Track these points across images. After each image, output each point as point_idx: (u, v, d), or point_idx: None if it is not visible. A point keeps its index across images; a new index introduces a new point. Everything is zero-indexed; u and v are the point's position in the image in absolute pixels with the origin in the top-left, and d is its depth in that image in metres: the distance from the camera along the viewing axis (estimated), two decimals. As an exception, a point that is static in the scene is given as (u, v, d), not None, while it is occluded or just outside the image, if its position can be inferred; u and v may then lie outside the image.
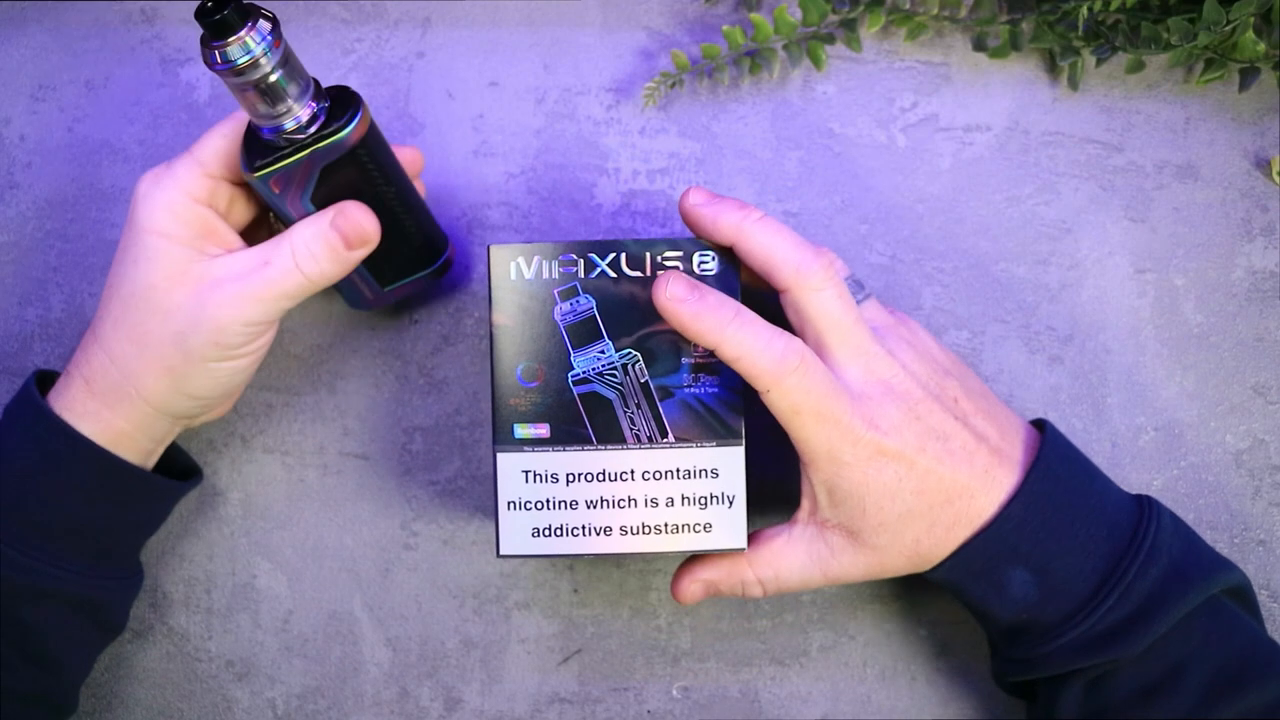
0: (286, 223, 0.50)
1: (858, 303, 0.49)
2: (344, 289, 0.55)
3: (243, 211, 0.52)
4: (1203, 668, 0.46)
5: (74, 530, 0.50)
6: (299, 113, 0.47)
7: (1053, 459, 0.48)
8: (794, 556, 0.49)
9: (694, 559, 0.51)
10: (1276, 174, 0.58)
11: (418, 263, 0.56)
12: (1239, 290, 0.58)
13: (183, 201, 0.48)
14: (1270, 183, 0.58)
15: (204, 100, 0.60)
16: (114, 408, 0.49)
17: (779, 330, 0.46)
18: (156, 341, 0.48)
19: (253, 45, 0.44)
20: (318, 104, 0.48)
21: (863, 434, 0.45)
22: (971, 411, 0.48)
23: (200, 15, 0.43)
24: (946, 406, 0.48)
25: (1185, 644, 0.46)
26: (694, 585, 0.51)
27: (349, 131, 0.48)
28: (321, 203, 0.50)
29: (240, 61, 0.44)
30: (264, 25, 0.44)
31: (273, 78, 0.45)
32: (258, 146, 0.48)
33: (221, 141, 0.49)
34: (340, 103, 0.49)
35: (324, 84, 0.49)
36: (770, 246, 0.46)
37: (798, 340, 0.46)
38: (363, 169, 0.49)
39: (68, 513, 0.50)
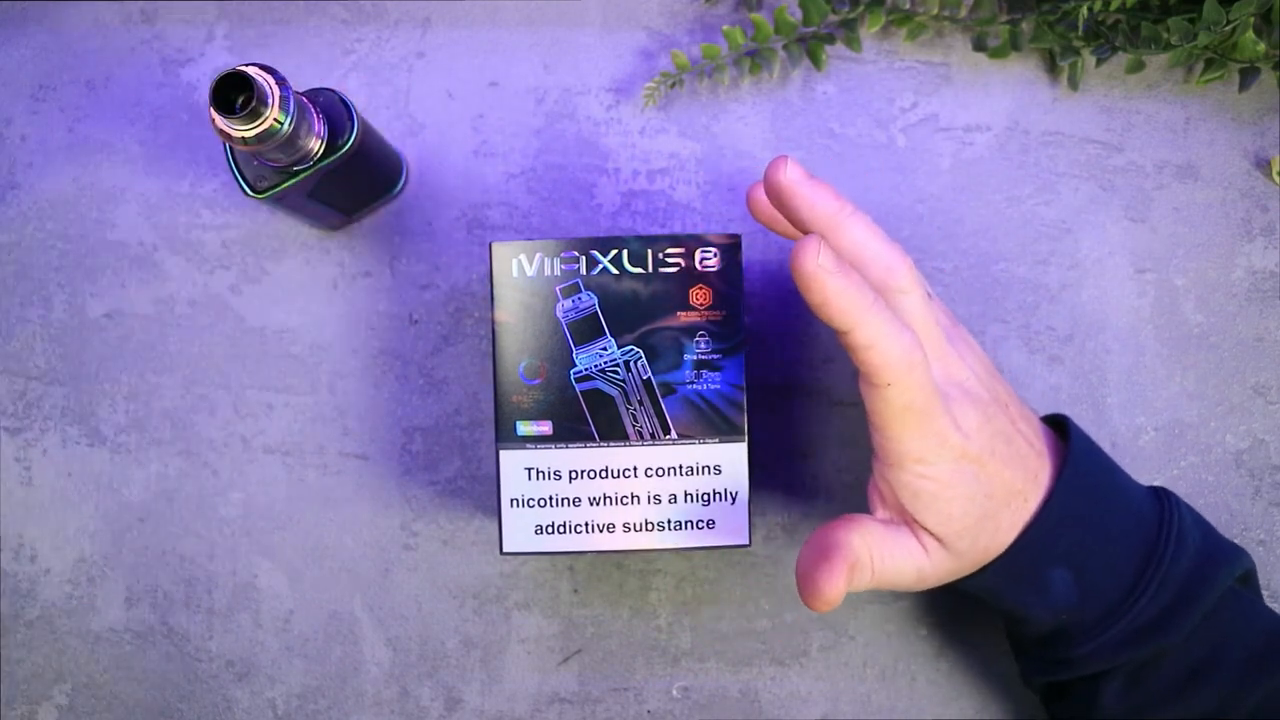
0: (285, 211, 0.53)
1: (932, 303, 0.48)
2: (312, 220, 0.57)
3: None
4: (1237, 647, 0.47)
5: None
6: (309, 148, 0.48)
7: (1081, 457, 0.48)
8: (895, 547, 0.47)
9: (811, 560, 0.46)
10: (1276, 174, 0.58)
11: (379, 191, 0.58)
12: (1239, 290, 0.58)
13: None
14: (1270, 183, 0.58)
15: (204, 100, 0.60)
16: None
17: (906, 325, 0.43)
18: None
19: (282, 120, 0.44)
20: (323, 130, 0.48)
21: (952, 436, 0.45)
22: (1017, 416, 0.48)
23: (222, 109, 0.43)
24: (1003, 410, 0.47)
25: (1219, 627, 0.47)
26: (836, 586, 0.45)
27: (350, 147, 0.49)
28: (317, 192, 0.50)
29: (270, 139, 0.44)
30: (281, 92, 0.44)
31: (291, 131, 0.45)
32: (253, 167, 0.49)
33: None
34: (334, 117, 0.49)
35: (323, 84, 0.49)
36: (863, 244, 0.45)
37: (917, 335, 0.44)
38: (354, 155, 0.51)
39: None
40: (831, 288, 0.41)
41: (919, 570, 0.47)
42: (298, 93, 0.46)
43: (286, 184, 0.49)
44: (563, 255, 0.49)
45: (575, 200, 0.59)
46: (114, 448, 0.59)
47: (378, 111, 0.60)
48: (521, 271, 0.49)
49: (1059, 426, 0.51)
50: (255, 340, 0.59)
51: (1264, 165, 0.58)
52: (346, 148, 0.49)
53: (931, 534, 0.47)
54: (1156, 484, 0.57)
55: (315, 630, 0.59)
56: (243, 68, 0.43)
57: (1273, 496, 0.58)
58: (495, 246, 0.49)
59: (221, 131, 0.44)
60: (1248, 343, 0.58)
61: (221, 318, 0.59)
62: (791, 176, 0.45)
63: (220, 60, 0.60)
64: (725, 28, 0.57)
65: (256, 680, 0.59)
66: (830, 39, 0.58)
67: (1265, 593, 0.57)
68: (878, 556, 0.46)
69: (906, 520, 0.47)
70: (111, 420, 0.59)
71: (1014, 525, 0.47)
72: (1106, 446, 0.58)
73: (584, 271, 0.49)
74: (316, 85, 0.56)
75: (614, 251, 0.49)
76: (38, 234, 0.60)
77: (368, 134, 0.51)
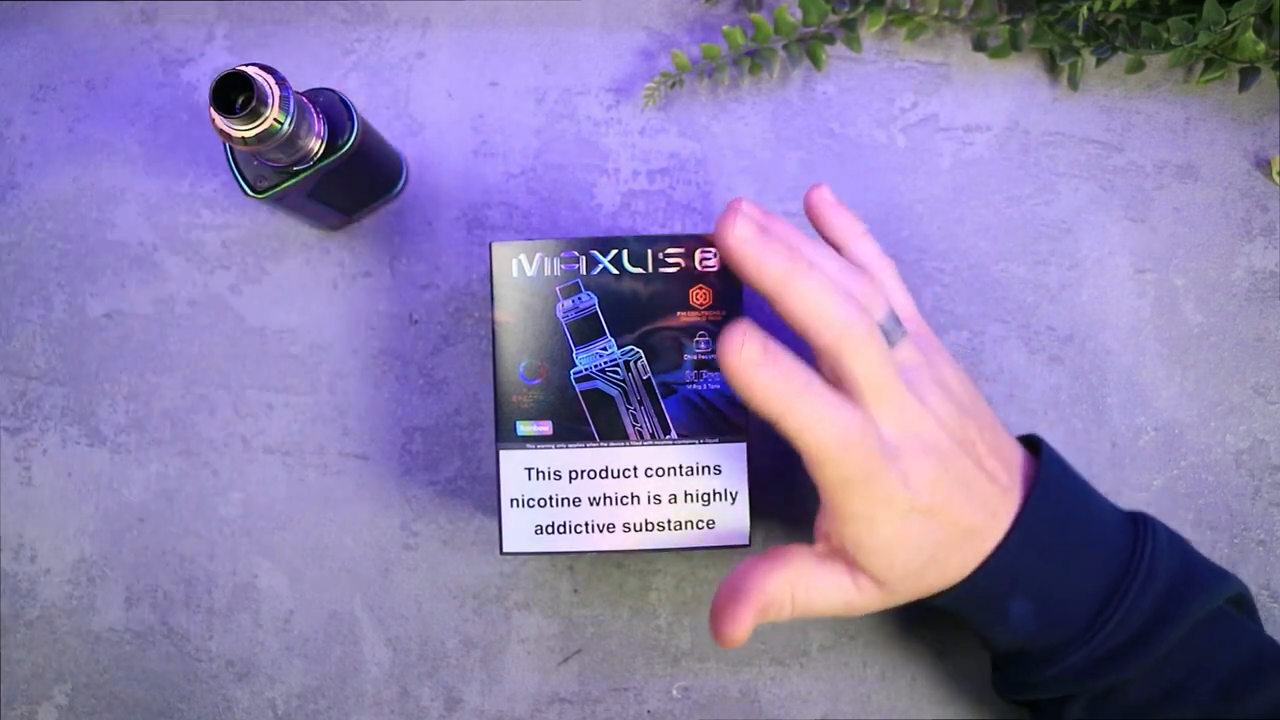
0: (284, 211, 0.53)
1: (895, 343, 0.46)
2: (312, 220, 0.57)
3: None
4: (1206, 680, 0.46)
5: None
6: (309, 148, 0.48)
7: (1049, 487, 0.47)
8: (823, 583, 0.47)
9: (724, 596, 0.47)
10: (1276, 174, 0.58)
11: (379, 191, 0.58)
12: (1239, 290, 0.58)
13: None
14: (1270, 183, 0.58)
15: (204, 100, 0.60)
16: None
17: (843, 400, 0.42)
18: None
19: (282, 120, 0.44)
20: (323, 130, 0.48)
21: (898, 494, 0.43)
22: (985, 452, 0.47)
23: (222, 109, 0.43)
24: (967, 451, 0.46)
25: (1187, 659, 0.46)
26: (740, 624, 0.46)
27: (350, 146, 0.49)
28: (317, 192, 0.50)
29: (270, 139, 0.44)
30: (281, 91, 0.44)
31: (291, 131, 0.45)
32: (252, 167, 0.49)
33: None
34: (334, 117, 0.49)
35: (323, 84, 0.49)
36: (814, 304, 0.42)
37: (859, 410, 0.42)
38: (355, 154, 0.51)
39: None
40: (757, 381, 0.40)
41: (848, 603, 0.47)
42: (298, 93, 0.46)
43: (286, 184, 0.49)
44: (563, 255, 0.49)
45: (575, 200, 0.59)
46: (114, 448, 0.59)
47: (378, 111, 0.60)
48: (521, 271, 0.49)
49: (1034, 447, 0.50)
50: (255, 340, 0.59)
51: (1264, 165, 0.58)
52: (347, 148, 0.49)
53: (870, 576, 0.46)
54: (1156, 484, 0.58)
55: (315, 630, 0.59)
56: (243, 68, 0.43)
57: (1273, 496, 0.57)
58: (495, 246, 0.49)
59: (221, 132, 0.44)
60: (1248, 343, 0.58)
61: (221, 318, 0.59)
62: (739, 235, 0.42)
63: (220, 60, 0.60)
64: (725, 28, 0.57)
65: (256, 680, 0.59)
66: (830, 39, 0.58)
67: (1265, 593, 0.57)
68: (802, 591, 0.46)
69: (845, 559, 0.46)
70: (111, 420, 0.59)
71: (965, 564, 0.46)
72: (1106, 446, 0.58)
73: (584, 271, 0.49)
74: (316, 85, 0.56)
75: (614, 251, 0.49)
76: (38, 234, 0.60)
77: (368, 134, 0.51)
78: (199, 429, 0.59)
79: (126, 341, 0.59)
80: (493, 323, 0.49)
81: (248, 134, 0.44)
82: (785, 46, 0.58)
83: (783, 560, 0.46)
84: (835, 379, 0.43)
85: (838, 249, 0.49)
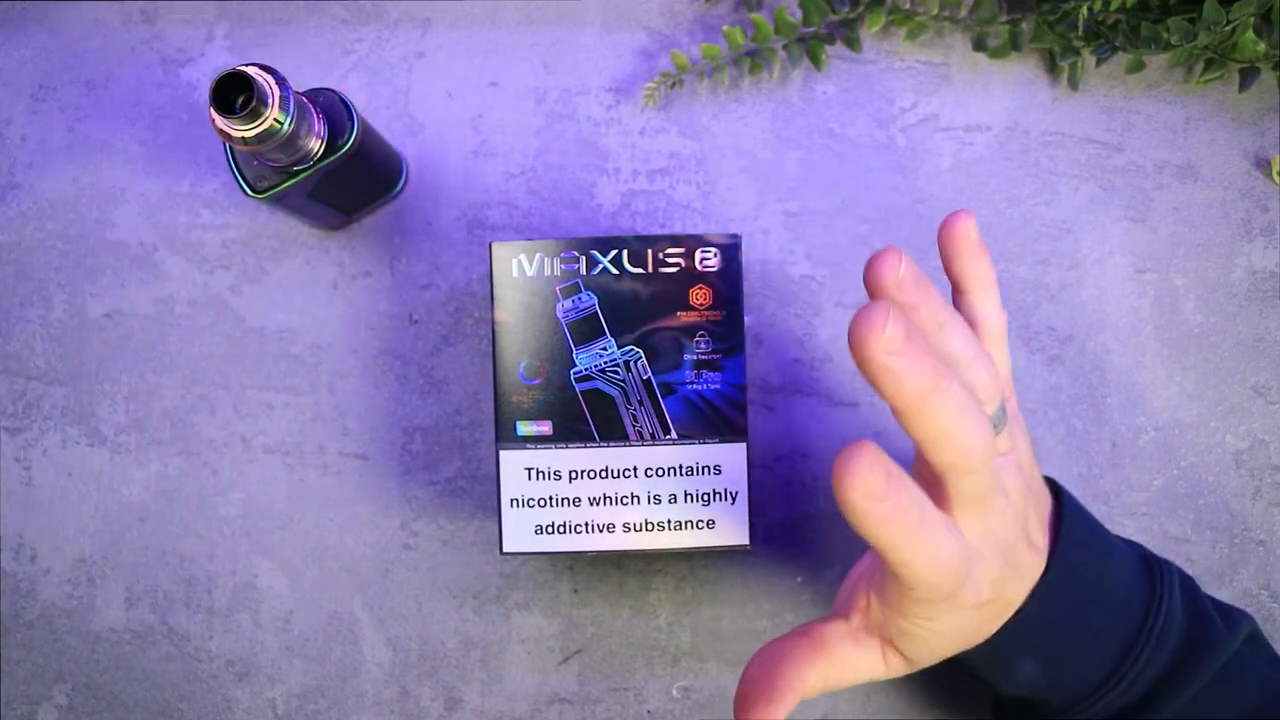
0: (285, 211, 0.53)
1: (998, 433, 0.43)
2: (312, 220, 0.57)
3: None
4: (1228, 714, 0.45)
5: None
6: (309, 147, 0.48)
7: (1071, 547, 0.45)
8: (857, 663, 0.45)
9: (755, 688, 0.44)
10: (1276, 174, 0.58)
11: (379, 191, 0.58)
12: (1239, 290, 0.58)
13: None
14: (1270, 183, 0.58)
15: (204, 100, 0.60)
16: None
17: (950, 530, 0.39)
18: None
19: (282, 120, 0.44)
20: (323, 130, 0.48)
21: (966, 600, 0.41)
22: (1035, 525, 0.44)
23: (222, 109, 0.43)
24: (1024, 533, 0.43)
25: (1200, 709, 0.45)
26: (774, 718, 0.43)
27: (350, 146, 0.49)
28: (317, 192, 0.51)
29: (270, 139, 0.45)
30: (281, 91, 0.44)
31: (291, 131, 0.46)
32: (253, 167, 0.49)
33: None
34: (333, 116, 0.49)
35: (323, 85, 0.49)
36: (946, 429, 0.37)
37: (961, 540, 0.40)
38: (354, 155, 0.51)
39: None
40: (875, 515, 0.36)
41: (872, 677, 0.46)
42: (298, 93, 0.46)
43: (286, 184, 0.49)
44: (563, 255, 0.49)
45: (575, 200, 0.59)
46: (114, 448, 0.59)
47: (378, 111, 0.60)
48: (521, 271, 0.49)
49: (1055, 492, 0.49)
50: (255, 340, 0.59)
51: (1264, 165, 0.58)
52: (347, 147, 0.49)
53: (905, 658, 0.45)
54: (1156, 484, 0.57)
55: (315, 630, 0.59)
56: (243, 68, 0.43)
57: (1273, 496, 0.57)
58: (495, 246, 0.49)
59: (222, 132, 0.44)
60: (1248, 343, 0.58)
61: (221, 318, 0.59)
62: (889, 345, 0.34)
63: (220, 60, 0.60)
64: (725, 28, 0.57)
65: (256, 680, 0.59)
66: (830, 39, 0.58)
67: (1264, 593, 0.57)
68: (835, 675, 0.45)
69: (881, 636, 0.45)
70: (111, 420, 0.59)
71: (990, 630, 0.44)
72: (1106, 446, 0.58)
73: (584, 271, 0.49)
74: (316, 85, 0.56)
75: (614, 251, 0.49)
76: (38, 234, 0.60)
77: (368, 134, 0.51)
78: (199, 429, 0.59)
79: (126, 341, 0.59)
80: (493, 323, 0.49)
81: (248, 134, 0.44)
82: (785, 46, 0.58)
83: (819, 648, 0.44)
84: (933, 481, 0.41)
85: (957, 290, 0.45)
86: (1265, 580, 0.57)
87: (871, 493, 0.35)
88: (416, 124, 0.60)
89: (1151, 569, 0.47)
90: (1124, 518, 0.58)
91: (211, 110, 0.43)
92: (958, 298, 0.46)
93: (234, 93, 0.43)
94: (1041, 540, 0.45)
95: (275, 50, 0.60)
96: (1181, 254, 0.58)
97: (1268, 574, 0.57)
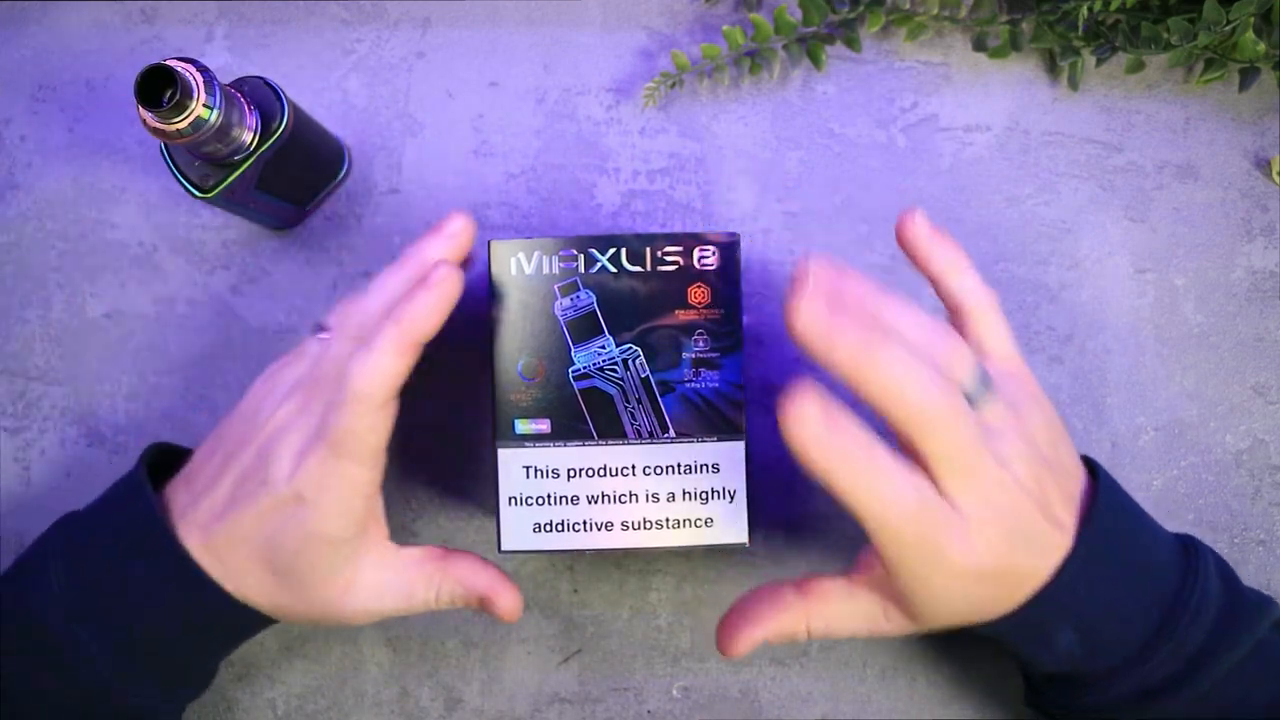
0: (240, 211, 0.54)
1: (980, 404, 0.43)
2: (264, 220, 0.58)
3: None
4: (1260, 698, 0.45)
5: (177, 661, 0.48)
6: (243, 137, 0.48)
7: (1105, 518, 0.45)
8: (851, 613, 0.46)
9: (738, 611, 0.47)
10: (1276, 174, 0.58)
11: (326, 176, 0.58)
12: (1239, 290, 0.58)
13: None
14: (1270, 183, 0.58)
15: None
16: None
17: (905, 470, 0.40)
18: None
19: (210, 108, 0.45)
20: (255, 118, 0.49)
21: (959, 561, 0.42)
22: (1057, 499, 0.45)
23: (147, 103, 0.44)
24: (1041, 506, 0.44)
25: (1232, 689, 0.45)
26: (745, 642, 0.46)
27: (284, 130, 0.50)
28: (264, 183, 0.52)
29: (201, 129, 0.45)
30: (206, 84, 0.45)
31: (221, 123, 0.46)
32: (195, 168, 0.50)
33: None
34: (262, 101, 0.50)
35: (323, 85, 0.50)
36: (891, 386, 0.39)
37: (920, 481, 0.41)
38: (292, 138, 0.51)
39: (183, 646, 0.48)
40: (817, 453, 0.38)
41: (872, 630, 0.47)
42: (223, 84, 0.46)
43: (232, 177, 0.49)
44: (561, 253, 0.49)
45: (575, 200, 0.59)
46: (114, 448, 0.59)
47: (378, 111, 0.60)
48: (520, 269, 0.49)
49: (1089, 466, 0.49)
50: (255, 340, 0.59)
51: (1264, 165, 0.58)
52: (282, 129, 0.50)
53: (906, 610, 0.45)
54: (1156, 484, 0.57)
55: (315, 630, 0.59)
56: (164, 62, 0.44)
57: (1273, 496, 0.57)
58: (494, 244, 0.49)
59: (154, 130, 0.44)
60: (1248, 343, 0.58)
61: (221, 318, 0.59)
62: (807, 318, 0.38)
63: (220, 60, 0.60)
64: (725, 28, 0.57)
65: (256, 680, 0.59)
66: (830, 39, 0.58)
67: (1265, 592, 0.57)
68: (821, 622, 0.46)
69: (885, 593, 0.45)
70: (111, 420, 0.59)
71: (1011, 600, 0.44)
72: (1106, 446, 0.58)
73: (582, 270, 0.49)
74: (316, 85, 0.56)
75: (612, 250, 0.49)
76: (38, 234, 0.60)
77: (301, 117, 0.52)
78: (199, 429, 0.59)
79: (126, 341, 0.59)
80: (491, 321, 0.49)
81: (180, 125, 0.44)
82: (785, 46, 0.58)
83: (807, 594, 0.46)
84: (910, 450, 0.42)
85: (932, 281, 0.47)
86: (1265, 580, 0.57)
87: (814, 429, 0.38)
88: (416, 124, 0.60)
89: (1187, 548, 0.48)
90: (1124, 518, 0.58)
91: (139, 107, 0.44)
92: (936, 287, 0.48)
93: (159, 89, 0.44)
94: (1066, 516, 0.45)
95: (275, 50, 0.60)
96: (1181, 254, 0.58)
97: (1268, 574, 0.57)
